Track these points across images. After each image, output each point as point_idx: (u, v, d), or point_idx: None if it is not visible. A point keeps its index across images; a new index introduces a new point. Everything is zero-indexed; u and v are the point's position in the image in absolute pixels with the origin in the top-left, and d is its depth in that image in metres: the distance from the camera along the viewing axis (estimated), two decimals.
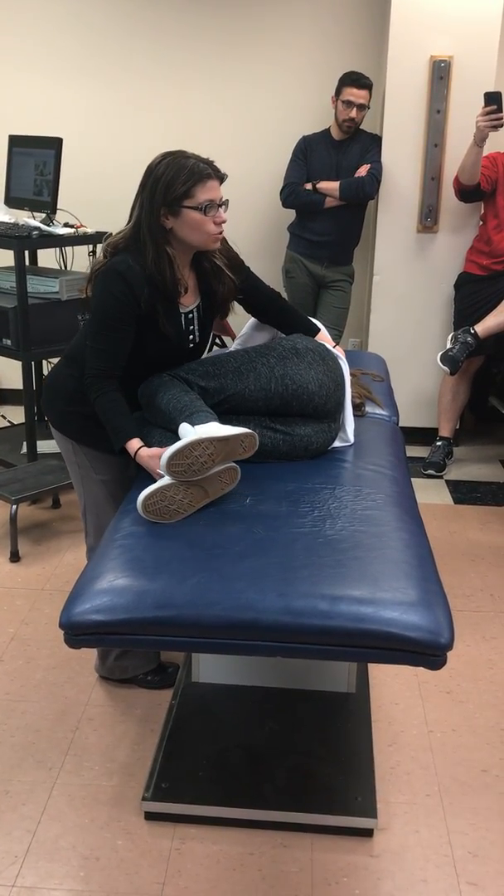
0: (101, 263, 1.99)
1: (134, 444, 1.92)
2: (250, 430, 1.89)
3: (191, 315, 2.09)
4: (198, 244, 1.98)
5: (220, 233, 1.98)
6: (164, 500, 1.79)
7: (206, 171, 1.91)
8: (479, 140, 3.63)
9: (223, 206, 1.96)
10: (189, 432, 1.82)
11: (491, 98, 3.54)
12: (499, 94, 3.54)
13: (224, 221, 1.97)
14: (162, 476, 1.81)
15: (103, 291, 1.95)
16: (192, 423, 1.86)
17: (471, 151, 3.69)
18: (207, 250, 2.02)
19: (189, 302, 2.08)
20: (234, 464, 1.88)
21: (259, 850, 1.90)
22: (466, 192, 3.86)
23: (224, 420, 1.97)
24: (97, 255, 2.05)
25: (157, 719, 2.30)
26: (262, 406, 2.04)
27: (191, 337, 2.12)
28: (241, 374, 2.04)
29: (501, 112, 3.53)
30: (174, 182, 1.89)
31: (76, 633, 1.55)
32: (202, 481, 1.82)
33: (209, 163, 1.94)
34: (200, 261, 2.07)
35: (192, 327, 2.11)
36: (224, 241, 2.08)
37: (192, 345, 2.13)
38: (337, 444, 2.20)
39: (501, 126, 3.58)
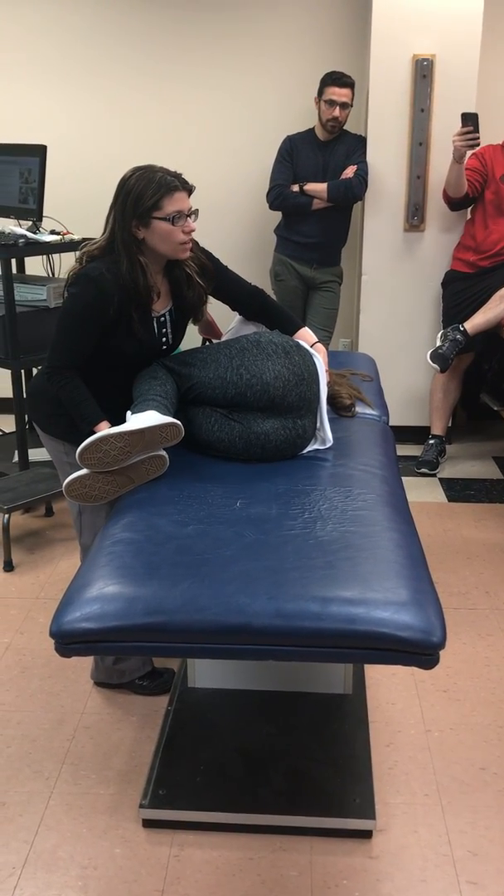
0: (76, 269, 2.10)
1: (102, 427, 2.02)
2: (173, 420, 1.97)
3: (163, 319, 2.19)
4: (168, 253, 2.07)
5: (189, 242, 2.07)
6: (84, 488, 1.97)
7: (173, 183, 2.00)
8: (458, 158, 3.68)
9: (192, 216, 2.05)
10: (129, 420, 1.96)
11: (467, 118, 3.59)
12: (475, 115, 3.59)
13: (192, 230, 2.06)
14: None
15: (75, 294, 2.05)
16: (133, 412, 1.99)
17: (452, 168, 3.74)
18: (178, 259, 2.11)
19: (161, 307, 2.17)
20: (163, 452, 2.00)
21: (258, 854, 1.89)
22: (456, 203, 3.90)
23: (187, 409, 2.14)
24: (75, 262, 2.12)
25: (154, 726, 2.29)
26: (219, 395, 2.12)
27: (164, 339, 2.21)
28: (207, 363, 2.15)
29: (477, 133, 3.59)
30: (143, 195, 1.99)
31: (67, 641, 1.55)
32: (125, 469, 1.95)
33: (177, 175, 2.03)
34: (172, 268, 2.16)
35: (164, 330, 2.20)
36: (197, 248, 2.19)
37: (164, 346, 2.23)
38: (318, 446, 2.20)
39: (477, 146, 3.64)
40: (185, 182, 2.03)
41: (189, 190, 2.04)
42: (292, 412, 2.13)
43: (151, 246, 2.05)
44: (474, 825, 1.97)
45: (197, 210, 2.06)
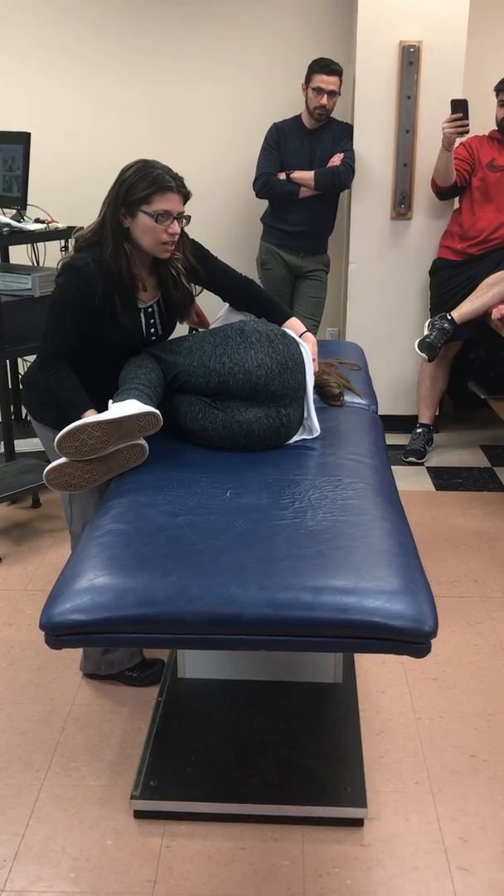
0: (65, 258, 2.13)
1: (88, 415, 2.03)
2: (150, 410, 1.97)
3: (150, 310, 2.20)
4: (148, 248, 2.09)
5: (170, 244, 2.08)
6: (63, 476, 1.97)
7: (168, 183, 2.02)
8: (448, 145, 3.67)
9: (181, 220, 2.06)
10: (110, 408, 1.97)
11: (457, 105, 3.58)
12: (464, 101, 3.58)
13: (176, 233, 2.07)
14: None
15: (61, 285, 2.09)
16: (115, 400, 2.00)
17: (441, 156, 3.72)
18: (159, 258, 2.12)
19: (148, 298, 2.19)
20: (142, 441, 2.00)
21: (250, 844, 1.89)
22: (444, 193, 3.89)
23: (172, 398, 2.15)
24: (69, 248, 2.14)
25: (144, 717, 2.29)
26: (203, 383, 2.12)
27: (152, 330, 2.22)
28: (192, 351, 2.16)
29: (467, 119, 3.57)
30: (136, 186, 2.01)
31: (57, 633, 1.53)
32: (104, 458, 1.96)
33: (176, 177, 2.05)
34: (159, 266, 2.17)
35: (152, 321, 2.21)
36: (188, 249, 2.19)
37: (153, 338, 2.24)
38: (305, 436, 2.20)
39: (467, 133, 3.63)
40: (182, 186, 2.05)
41: (184, 195, 2.05)
42: (276, 401, 2.12)
43: (134, 237, 2.07)
44: (465, 812, 1.98)
45: (188, 216, 2.07)
